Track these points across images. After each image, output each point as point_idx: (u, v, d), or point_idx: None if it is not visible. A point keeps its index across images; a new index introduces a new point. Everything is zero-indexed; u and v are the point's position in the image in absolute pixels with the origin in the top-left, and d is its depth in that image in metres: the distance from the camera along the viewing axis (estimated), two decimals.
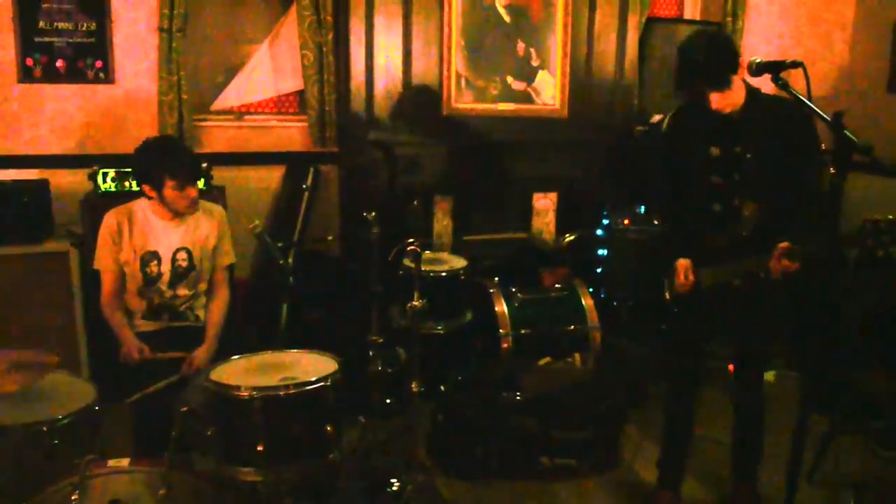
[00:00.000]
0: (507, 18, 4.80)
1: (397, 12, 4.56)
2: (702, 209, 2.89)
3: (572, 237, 4.92)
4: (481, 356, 4.13)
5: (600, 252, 4.84)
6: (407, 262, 3.75)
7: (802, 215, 2.71)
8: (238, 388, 2.35)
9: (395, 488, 3.05)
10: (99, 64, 4.34)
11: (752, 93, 2.74)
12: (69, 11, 4.23)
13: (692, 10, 5.75)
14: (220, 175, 4.23)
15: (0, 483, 2.21)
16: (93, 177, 3.93)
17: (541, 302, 4.22)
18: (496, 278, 4.27)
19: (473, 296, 4.20)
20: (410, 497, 3.00)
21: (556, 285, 4.38)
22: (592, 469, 3.49)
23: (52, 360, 2.27)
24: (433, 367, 3.59)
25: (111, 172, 3.94)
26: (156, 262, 3.15)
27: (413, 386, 2.99)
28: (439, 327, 3.96)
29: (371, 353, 3.46)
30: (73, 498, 1.93)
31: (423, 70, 4.68)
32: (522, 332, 4.04)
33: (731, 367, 3.87)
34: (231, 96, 4.79)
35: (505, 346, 4.00)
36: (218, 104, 4.77)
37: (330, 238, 4.70)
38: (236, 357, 2.65)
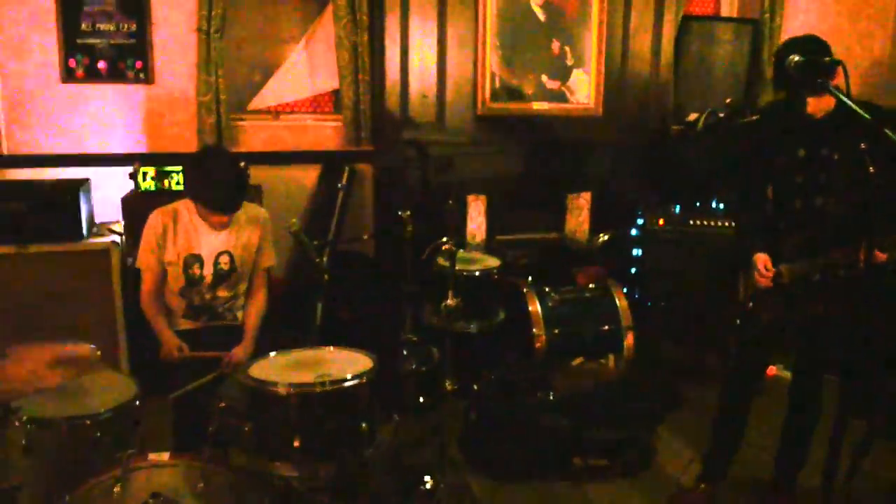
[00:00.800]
0: (541, 17, 4.79)
1: (432, 12, 4.57)
2: (783, 206, 2.94)
3: (606, 237, 4.90)
4: (514, 355, 4.12)
5: (634, 252, 4.81)
6: (441, 260, 3.77)
7: (886, 212, 2.71)
8: (275, 384, 2.38)
9: (427, 486, 3.06)
10: (139, 64, 4.42)
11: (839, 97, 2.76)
12: (110, 13, 4.32)
13: (729, 8, 5.69)
14: (257, 174, 4.28)
15: (44, 474, 2.26)
16: (133, 175, 4.00)
17: (574, 302, 4.21)
18: (529, 278, 4.27)
19: (507, 295, 4.20)
20: (443, 495, 3.01)
21: (590, 285, 4.37)
22: (625, 470, 3.47)
23: (94, 355, 2.32)
24: (466, 365, 3.60)
25: (151, 171, 4.00)
26: (198, 264, 3.17)
27: (446, 384, 3.01)
28: (472, 326, 3.96)
29: (405, 352, 3.49)
30: (115, 490, 1.97)
31: (458, 69, 4.69)
32: (556, 331, 4.04)
33: (769, 370, 3.85)
34: (268, 96, 4.85)
35: (538, 345, 4.00)
36: (255, 104, 4.83)
37: (365, 237, 4.73)
38: (273, 354, 2.68)
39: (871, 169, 2.21)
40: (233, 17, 4.60)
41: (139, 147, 4.48)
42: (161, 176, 4.01)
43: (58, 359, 2.34)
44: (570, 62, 4.89)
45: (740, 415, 3.17)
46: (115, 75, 4.40)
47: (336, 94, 4.87)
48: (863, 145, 2.28)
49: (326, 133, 4.87)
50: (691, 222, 4.53)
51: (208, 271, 3.19)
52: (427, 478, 3.09)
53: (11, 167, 4.28)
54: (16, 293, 3.75)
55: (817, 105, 2.75)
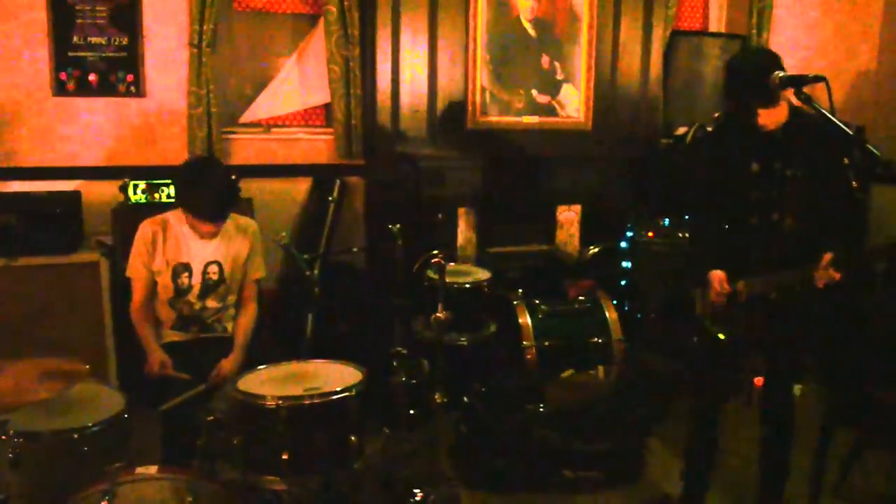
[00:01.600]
0: (532, 33, 4.82)
1: (423, 27, 4.60)
2: (739, 222, 2.90)
3: (596, 250, 4.92)
4: (505, 368, 4.13)
5: (624, 264, 4.83)
6: (431, 273, 3.78)
7: (841, 229, 2.72)
8: (264, 397, 2.38)
9: (417, 499, 3.06)
10: (130, 78, 4.43)
11: (795, 110, 2.75)
12: (102, 27, 4.33)
13: (717, 24, 5.74)
14: (248, 187, 4.29)
15: (31, 489, 2.25)
16: (124, 188, 4.01)
17: (564, 314, 4.22)
18: (520, 290, 4.28)
19: (497, 308, 4.21)
20: None
21: (580, 297, 4.38)
22: (615, 482, 3.48)
23: (82, 369, 2.31)
24: (457, 378, 3.59)
25: (141, 184, 4.01)
26: (187, 273, 3.18)
27: (436, 397, 3.00)
28: (463, 339, 3.97)
29: (395, 364, 3.48)
30: None
31: (449, 84, 4.72)
32: (546, 344, 4.05)
33: (757, 380, 3.85)
34: (259, 109, 4.86)
35: (528, 357, 4.00)
36: (246, 117, 4.84)
37: (355, 250, 4.74)
38: (262, 367, 2.68)
39: (854, 184, 2.22)
40: (224, 31, 4.63)
41: (130, 160, 4.48)
42: (151, 189, 4.02)
43: (46, 373, 2.33)
44: (559, 77, 4.93)
45: (710, 430, 3.15)
46: (107, 88, 4.40)
47: (327, 107, 4.89)
48: (846, 160, 2.30)
49: (317, 146, 4.88)
50: (680, 235, 4.56)
51: (196, 280, 3.20)
52: (417, 490, 3.09)
53: (2, 179, 4.27)
54: (4, 306, 3.74)
55: (769, 117, 2.70)
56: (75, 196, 4.04)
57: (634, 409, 3.67)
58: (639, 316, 4.63)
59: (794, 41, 5.59)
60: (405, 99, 4.64)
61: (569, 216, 5.01)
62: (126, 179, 4.02)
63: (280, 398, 2.36)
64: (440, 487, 3.13)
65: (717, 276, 2.90)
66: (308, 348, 3.98)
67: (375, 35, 4.54)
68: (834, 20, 5.68)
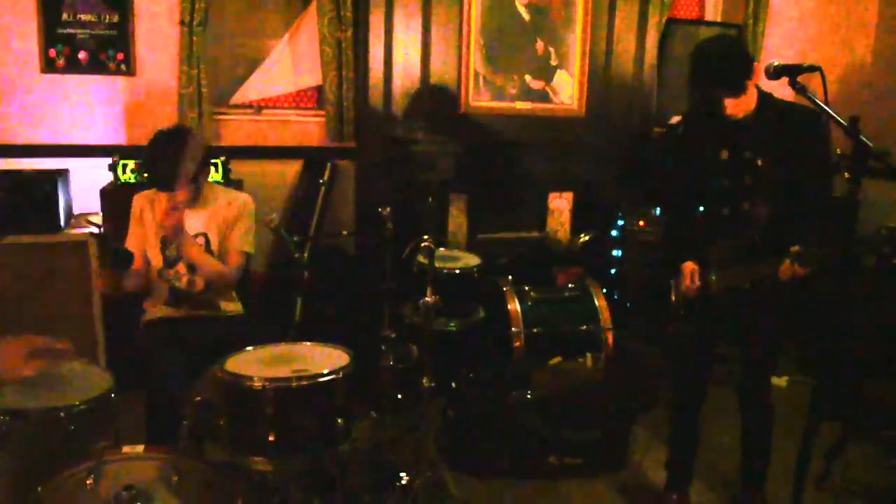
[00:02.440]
0: (526, 17, 4.80)
1: (417, 10, 4.58)
2: (710, 212, 2.88)
3: (587, 238, 4.92)
4: (493, 354, 4.14)
5: (614, 253, 4.84)
6: (420, 258, 3.77)
7: (813, 221, 2.71)
8: (251, 378, 2.37)
9: (403, 483, 3.06)
10: (120, 56, 4.39)
11: (765, 98, 2.74)
12: (92, 4, 4.29)
13: (713, 13, 5.73)
14: (238, 168, 4.27)
15: (17, 466, 2.24)
16: (113, 167, 3.98)
17: (553, 301, 4.22)
18: (510, 277, 4.28)
19: (486, 294, 4.21)
20: (419, 492, 3.02)
21: (570, 285, 4.39)
22: (600, 469, 3.50)
23: (66, 347, 2.31)
24: (445, 363, 3.60)
25: (131, 163, 3.99)
26: (174, 244, 3.18)
27: (424, 382, 3.00)
28: (452, 324, 3.97)
29: (383, 349, 3.48)
30: (87, 483, 1.96)
31: (442, 68, 4.70)
32: (534, 331, 4.05)
33: None
34: (250, 90, 4.83)
35: (517, 344, 4.01)
36: (237, 98, 4.81)
37: (345, 233, 4.73)
38: (250, 348, 2.67)
39: (847, 174, 2.22)
40: (216, 11, 4.58)
41: (119, 139, 4.45)
42: (141, 168, 3.99)
43: (33, 351, 2.32)
44: (553, 62, 4.91)
45: (690, 420, 3.18)
46: (97, 66, 4.37)
47: (319, 89, 4.86)
48: (838, 151, 2.30)
49: (309, 129, 4.86)
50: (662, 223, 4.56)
51: None
52: (403, 474, 3.10)
53: None
54: None
55: (737, 106, 2.67)
56: (64, 174, 4.01)
57: (621, 397, 3.68)
58: (628, 304, 4.64)
59: (789, 32, 5.58)
60: (397, 82, 4.63)
61: (560, 203, 5.01)
62: (116, 158, 3.99)
63: (267, 379, 2.36)
64: (426, 471, 3.13)
65: (689, 267, 2.91)
66: (296, 331, 3.98)
67: (368, 17, 4.51)
68: (829, 12, 5.68)
